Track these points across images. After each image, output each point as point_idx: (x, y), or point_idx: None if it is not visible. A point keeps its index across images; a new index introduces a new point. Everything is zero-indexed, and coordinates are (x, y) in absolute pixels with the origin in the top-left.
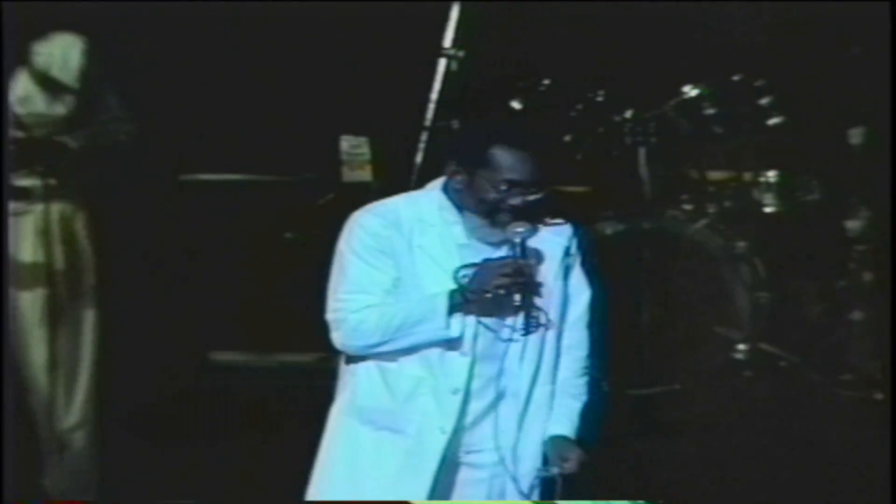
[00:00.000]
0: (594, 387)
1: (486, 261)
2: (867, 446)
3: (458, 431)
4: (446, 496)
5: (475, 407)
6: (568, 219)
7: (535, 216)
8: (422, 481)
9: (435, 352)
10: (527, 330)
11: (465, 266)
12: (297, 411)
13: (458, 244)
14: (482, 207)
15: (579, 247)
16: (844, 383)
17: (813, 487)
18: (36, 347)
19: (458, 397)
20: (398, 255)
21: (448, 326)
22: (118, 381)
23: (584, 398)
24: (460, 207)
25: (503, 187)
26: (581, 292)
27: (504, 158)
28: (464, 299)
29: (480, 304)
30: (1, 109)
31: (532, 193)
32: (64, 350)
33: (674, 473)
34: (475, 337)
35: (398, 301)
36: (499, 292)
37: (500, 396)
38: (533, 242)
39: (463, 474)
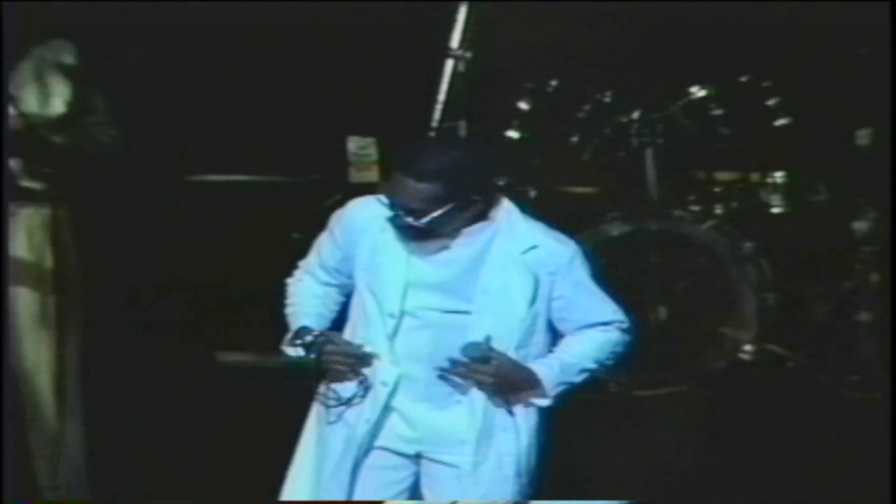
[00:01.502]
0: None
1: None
2: (874, 447)
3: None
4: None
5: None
6: (566, 232)
7: (426, 238)
8: (346, 469)
9: (375, 344)
10: (350, 400)
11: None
12: (304, 413)
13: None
14: None
15: (571, 264)
16: (851, 384)
17: (820, 488)
18: (29, 349)
19: (386, 390)
20: (357, 246)
21: (290, 348)
22: (123, 383)
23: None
24: None
25: (387, 204)
26: (568, 305)
27: (391, 179)
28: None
29: None
30: (1, 109)
31: (408, 217)
32: (57, 352)
33: (681, 474)
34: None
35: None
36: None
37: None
38: (516, 261)
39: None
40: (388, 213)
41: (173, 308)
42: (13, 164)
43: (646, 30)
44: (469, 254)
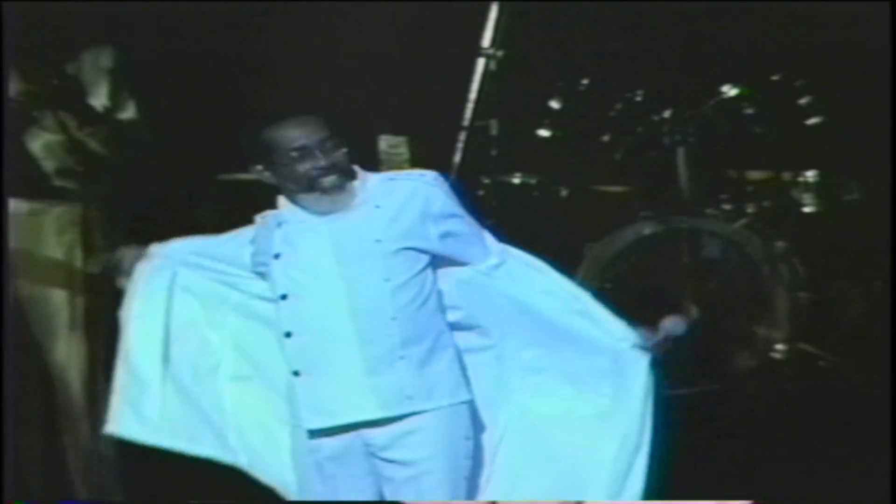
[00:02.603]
0: None
1: None
2: None
3: None
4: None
5: None
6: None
7: (348, 171)
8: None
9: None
10: None
11: None
12: None
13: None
14: (302, 187)
15: (448, 193)
16: (884, 384)
17: (852, 486)
18: (60, 348)
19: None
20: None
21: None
22: None
23: None
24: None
25: (298, 156)
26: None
27: (282, 134)
28: None
29: None
30: (1, 109)
31: (329, 150)
32: (88, 351)
33: (712, 473)
34: None
35: None
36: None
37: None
38: (389, 197)
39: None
40: (299, 163)
41: None
42: (47, 163)
43: (677, 28)
44: (363, 216)
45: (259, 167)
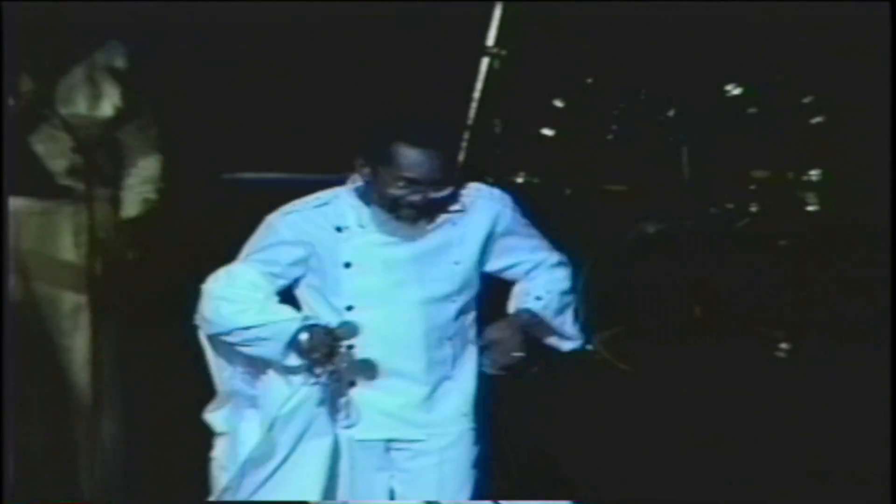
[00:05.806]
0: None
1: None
2: None
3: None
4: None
5: None
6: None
7: (436, 212)
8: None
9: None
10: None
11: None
12: None
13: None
14: (384, 203)
15: (514, 210)
16: (884, 384)
17: (857, 486)
18: (75, 349)
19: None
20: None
21: (284, 356)
22: (159, 383)
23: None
24: (367, 203)
25: (401, 184)
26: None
27: (405, 156)
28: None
29: None
30: (1, 109)
31: (433, 191)
32: (94, 349)
33: (714, 471)
34: None
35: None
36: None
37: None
38: (489, 240)
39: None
40: (400, 190)
41: None
42: (55, 162)
43: (682, 27)
44: (443, 236)
45: (362, 161)
